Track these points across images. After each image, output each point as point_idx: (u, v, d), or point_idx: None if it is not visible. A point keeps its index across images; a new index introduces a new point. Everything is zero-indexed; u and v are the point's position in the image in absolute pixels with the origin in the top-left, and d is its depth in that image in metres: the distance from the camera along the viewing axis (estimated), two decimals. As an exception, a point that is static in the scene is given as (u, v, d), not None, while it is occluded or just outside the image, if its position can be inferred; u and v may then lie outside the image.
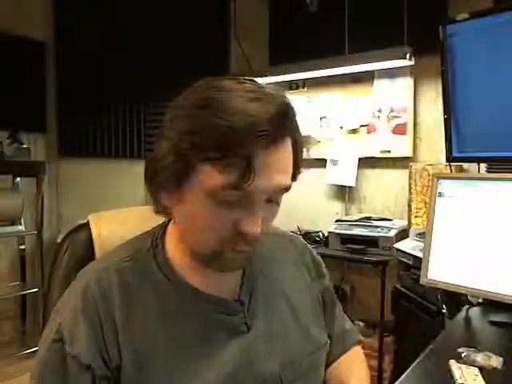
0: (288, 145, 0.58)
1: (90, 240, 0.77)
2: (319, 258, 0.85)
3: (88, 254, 0.76)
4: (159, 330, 0.60)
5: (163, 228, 0.68)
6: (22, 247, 2.81)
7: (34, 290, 2.69)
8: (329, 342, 0.77)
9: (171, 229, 0.67)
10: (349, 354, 0.83)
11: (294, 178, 0.62)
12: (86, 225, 0.79)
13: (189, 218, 0.60)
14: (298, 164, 0.62)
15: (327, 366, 0.78)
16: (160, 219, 0.68)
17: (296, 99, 3.05)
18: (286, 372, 0.66)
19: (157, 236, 0.67)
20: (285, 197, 0.62)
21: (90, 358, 0.56)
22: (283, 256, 0.78)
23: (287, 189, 0.59)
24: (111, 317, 0.58)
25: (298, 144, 0.60)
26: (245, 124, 0.51)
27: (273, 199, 0.59)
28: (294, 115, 0.58)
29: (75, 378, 0.55)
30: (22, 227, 2.65)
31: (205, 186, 0.55)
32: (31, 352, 2.53)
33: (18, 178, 2.70)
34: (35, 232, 2.69)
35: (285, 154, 0.57)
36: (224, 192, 0.54)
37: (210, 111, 0.53)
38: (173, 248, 0.65)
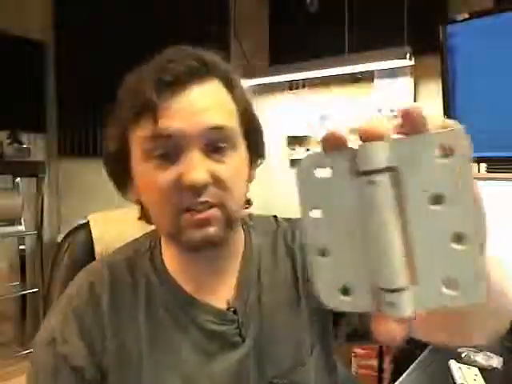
0: (202, 87, 0.56)
1: (89, 240, 0.77)
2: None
3: (88, 254, 0.76)
4: (148, 337, 0.58)
5: None
6: (22, 247, 2.80)
7: (33, 290, 2.68)
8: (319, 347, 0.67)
9: None
10: None
11: (245, 116, 0.60)
12: (86, 225, 0.79)
13: (147, 197, 0.58)
14: (238, 100, 0.59)
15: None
16: None
17: (296, 99, 3.06)
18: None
19: (156, 238, 0.65)
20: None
21: (80, 359, 0.56)
22: (275, 258, 0.68)
23: (219, 128, 0.54)
24: (100, 320, 0.58)
25: (231, 82, 0.59)
26: (134, 83, 0.57)
27: (213, 145, 0.54)
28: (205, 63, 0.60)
29: (65, 380, 0.55)
30: (21, 227, 2.65)
31: (138, 148, 0.56)
32: (31, 352, 2.52)
33: (18, 178, 2.69)
34: (35, 232, 2.69)
35: (200, 95, 0.55)
36: (152, 145, 0.54)
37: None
38: (167, 253, 0.64)
